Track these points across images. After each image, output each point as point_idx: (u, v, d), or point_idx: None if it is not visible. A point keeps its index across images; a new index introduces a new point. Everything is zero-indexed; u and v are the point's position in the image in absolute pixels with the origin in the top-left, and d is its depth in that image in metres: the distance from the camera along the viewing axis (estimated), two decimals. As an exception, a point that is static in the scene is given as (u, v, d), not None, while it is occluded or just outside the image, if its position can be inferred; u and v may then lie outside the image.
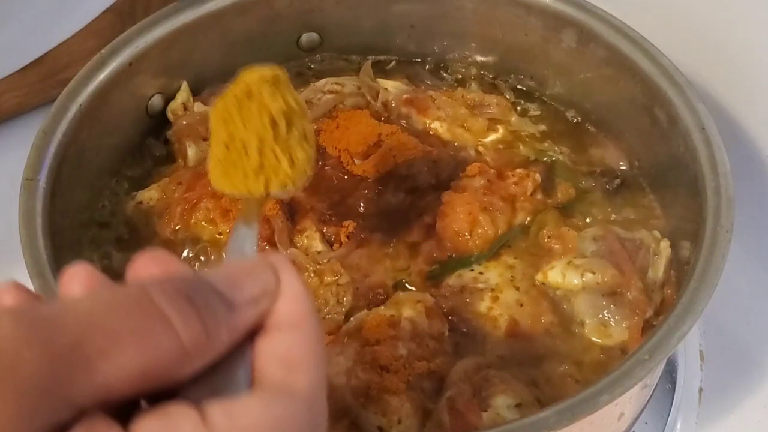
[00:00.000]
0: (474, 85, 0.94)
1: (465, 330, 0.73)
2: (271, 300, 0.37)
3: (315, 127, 0.84)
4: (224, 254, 0.47)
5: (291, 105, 0.55)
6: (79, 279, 0.36)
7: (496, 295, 0.75)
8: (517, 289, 0.75)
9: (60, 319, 0.31)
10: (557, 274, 0.75)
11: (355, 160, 0.82)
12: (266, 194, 0.53)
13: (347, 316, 0.73)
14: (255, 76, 0.55)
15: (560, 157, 0.87)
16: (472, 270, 0.77)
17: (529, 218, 0.81)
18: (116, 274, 0.77)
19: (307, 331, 0.37)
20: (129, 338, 0.31)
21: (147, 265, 0.38)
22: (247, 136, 0.53)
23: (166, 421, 0.31)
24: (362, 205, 0.80)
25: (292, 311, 0.37)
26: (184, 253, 0.78)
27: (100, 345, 0.30)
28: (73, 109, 0.77)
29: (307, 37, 0.94)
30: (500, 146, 0.88)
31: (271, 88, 0.54)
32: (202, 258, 0.78)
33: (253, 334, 0.36)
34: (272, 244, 0.77)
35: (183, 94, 0.88)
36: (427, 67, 0.96)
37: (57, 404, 0.29)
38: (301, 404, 0.34)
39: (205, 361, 0.34)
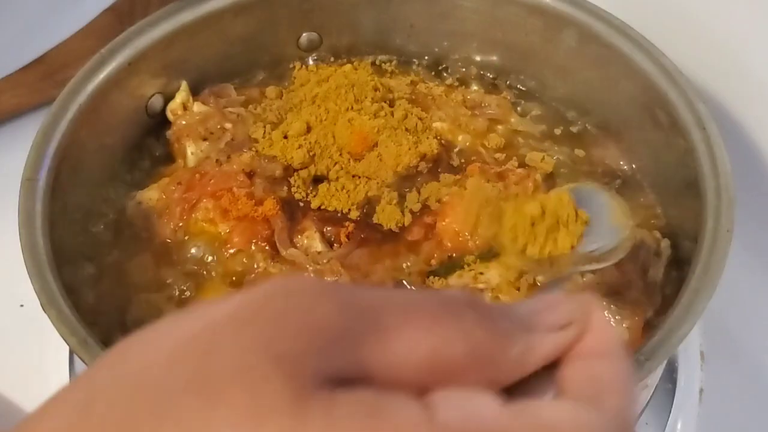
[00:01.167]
0: (474, 85, 0.94)
1: (465, 330, 0.73)
2: (579, 330, 0.35)
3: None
4: None
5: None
6: None
7: (496, 295, 0.75)
8: (518, 289, 0.75)
9: (358, 290, 0.32)
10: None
11: (355, 161, 0.82)
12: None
13: (347, 316, 0.72)
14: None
15: (560, 157, 0.87)
16: (472, 270, 0.77)
17: (529, 218, 0.81)
18: (115, 275, 0.78)
19: (618, 360, 0.35)
20: (421, 320, 0.31)
21: None
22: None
23: (469, 396, 0.30)
24: (363, 205, 0.80)
25: (601, 341, 0.35)
26: (190, 253, 0.78)
27: (394, 318, 0.30)
28: (73, 109, 0.77)
29: (307, 37, 0.94)
30: (500, 146, 0.88)
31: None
32: (204, 257, 0.78)
33: (554, 365, 0.35)
34: (272, 244, 0.77)
35: (182, 93, 0.88)
36: (427, 67, 0.96)
37: (345, 355, 0.29)
38: (608, 422, 0.32)
39: (494, 377, 0.32)
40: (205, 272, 0.77)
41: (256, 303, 0.30)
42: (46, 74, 1.04)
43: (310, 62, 0.95)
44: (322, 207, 0.80)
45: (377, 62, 0.96)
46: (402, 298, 0.32)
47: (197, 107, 0.87)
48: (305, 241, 0.78)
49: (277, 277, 0.31)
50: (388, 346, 0.30)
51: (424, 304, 0.31)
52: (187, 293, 0.76)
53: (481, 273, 0.77)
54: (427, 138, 0.84)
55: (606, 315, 0.34)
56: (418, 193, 0.81)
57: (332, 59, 0.95)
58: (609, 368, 0.34)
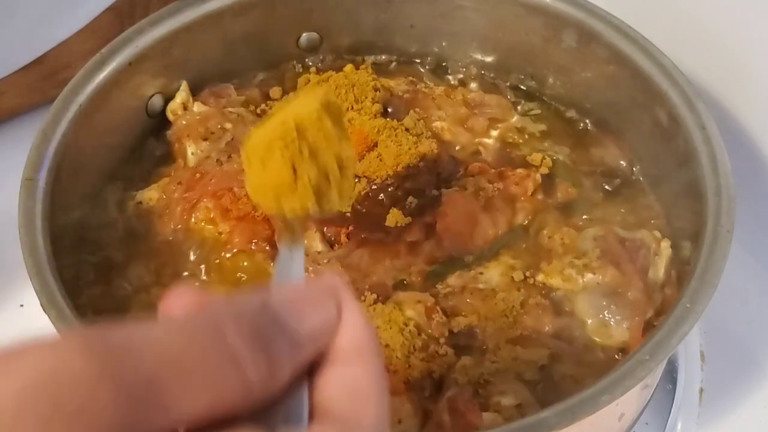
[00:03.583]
0: (474, 85, 0.95)
1: (465, 330, 0.73)
2: (333, 332, 0.36)
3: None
4: (273, 276, 0.46)
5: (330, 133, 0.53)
6: (180, 303, 0.36)
7: (496, 295, 0.75)
8: (518, 289, 0.75)
9: (134, 352, 0.30)
10: (557, 274, 0.75)
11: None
12: (304, 214, 0.52)
13: (347, 316, 0.72)
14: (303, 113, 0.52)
15: (560, 157, 0.87)
16: (472, 270, 0.77)
17: (529, 218, 0.81)
18: (115, 275, 0.78)
19: (371, 361, 0.36)
20: (201, 378, 0.31)
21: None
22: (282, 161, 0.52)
23: None
24: (363, 204, 0.80)
25: (354, 342, 0.36)
26: (190, 252, 0.78)
27: (174, 385, 0.30)
28: (73, 109, 0.77)
29: (307, 37, 0.94)
30: (500, 146, 0.88)
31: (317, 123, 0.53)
32: (204, 256, 0.78)
33: (312, 365, 0.36)
34: (272, 244, 0.77)
35: (182, 93, 0.88)
36: (427, 67, 0.96)
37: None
38: None
39: (266, 396, 0.33)
40: (205, 272, 0.77)
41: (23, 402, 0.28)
42: (47, 74, 1.04)
43: (310, 62, 0.95)
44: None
45: (377, 62, 0.96)
46: (181, 351, 0.31)
47: (197, 107, 0.87)
48: (305, 241, 0.78)
49: (40, 353, 0.30)
50: (169, 414, 0.30)
51: (205, 353, 0.31)
52: (187, 293, 0.76)
53: (481, 273, 0.77)
54: (427, 138, 0.84)
55: (355, 303, 0.36)
56: (418, 193, 0.81)
57: (332, 59, 0.95)
58: (364, 375, 0.35)
